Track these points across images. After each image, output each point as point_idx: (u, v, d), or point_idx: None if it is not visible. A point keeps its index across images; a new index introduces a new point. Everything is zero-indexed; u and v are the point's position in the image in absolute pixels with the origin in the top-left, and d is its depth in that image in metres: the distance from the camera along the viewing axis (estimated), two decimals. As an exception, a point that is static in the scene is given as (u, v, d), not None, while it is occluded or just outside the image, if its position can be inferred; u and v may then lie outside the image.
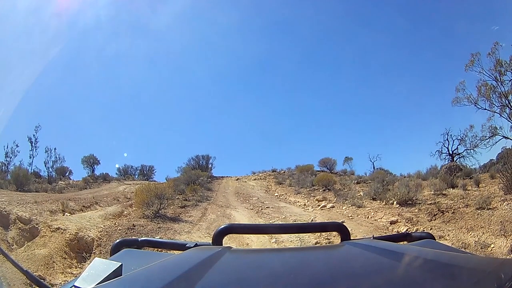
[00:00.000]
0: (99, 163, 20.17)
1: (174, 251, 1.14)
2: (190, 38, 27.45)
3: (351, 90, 26.33)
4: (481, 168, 15.97)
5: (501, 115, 15.49)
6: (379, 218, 9.00)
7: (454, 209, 8.30)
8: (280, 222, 9.15)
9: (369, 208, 10.00)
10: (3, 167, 15.36)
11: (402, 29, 24.29)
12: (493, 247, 6.12)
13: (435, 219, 8.15)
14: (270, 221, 9.59)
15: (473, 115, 16.57)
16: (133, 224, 8.12)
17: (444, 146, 18.10)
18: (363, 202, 10.70)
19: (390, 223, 8.46)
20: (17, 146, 16.00)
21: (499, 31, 19.69)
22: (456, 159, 17.49)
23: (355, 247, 0.98)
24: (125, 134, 28.07)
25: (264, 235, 8.35)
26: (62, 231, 7.52)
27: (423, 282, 0.64)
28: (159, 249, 1.29)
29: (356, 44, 26.01)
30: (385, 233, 8.01)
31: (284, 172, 20.07)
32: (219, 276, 0.72)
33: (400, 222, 8.42)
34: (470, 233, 6.89)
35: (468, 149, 17.35)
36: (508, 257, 5.58)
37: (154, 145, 30.25)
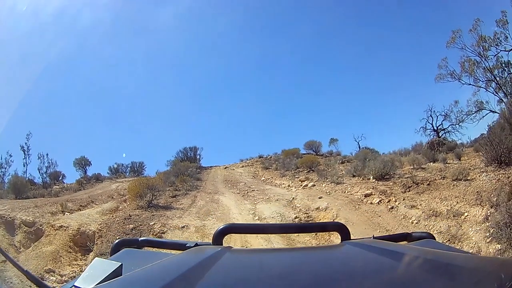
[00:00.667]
0: (91, 164, 20.42)
1: (174, 251, 1.15)
2: (186, 36, 27.40)
3: (335, 72, 26.71)
4: (472, 142, 15.58)
5: (487, 90, 15.50)
6: (355, 192, 9.57)
7: (430, 181, 8.55)
8: (273, 215, 9.20)
9: (346, 184, 10.58)
10: (-1, 178, 15.66)
11: (383, 6, 24.40)
12: (467, 215, 6.28)
13: (409, 191, 8.52)
14: (255, 202, 10.31)
15: (458, 90, 16.71)
16: (129, 215, 8.76)
17: (428, 122, 18.32)
18: (343, 179, 11.21)
19: (365, 196, 9.02)
20: (10, 156, 16.24)
21: (483, 9, 20.01)
22: (442, 135, 17.67)
23: (355, 247, 0.99)
24: (116, 133, 28.28)
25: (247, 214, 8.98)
26: (65, 228, 8.17)
27: (423, 282, 0.64)
28: (159, 249, 1.31)
29: (338, 24, 26.11)
30: (358, 204, 8.60)
31: (271, 157, 20.15)
32: (219, 276, 0.73)
33: (374, 194, 8.94)
34: (443, 202, 7.09)
35: (454, 124, 17.58)
36: (482, 225, 5.74)
37: (142, 142, 30.53)
